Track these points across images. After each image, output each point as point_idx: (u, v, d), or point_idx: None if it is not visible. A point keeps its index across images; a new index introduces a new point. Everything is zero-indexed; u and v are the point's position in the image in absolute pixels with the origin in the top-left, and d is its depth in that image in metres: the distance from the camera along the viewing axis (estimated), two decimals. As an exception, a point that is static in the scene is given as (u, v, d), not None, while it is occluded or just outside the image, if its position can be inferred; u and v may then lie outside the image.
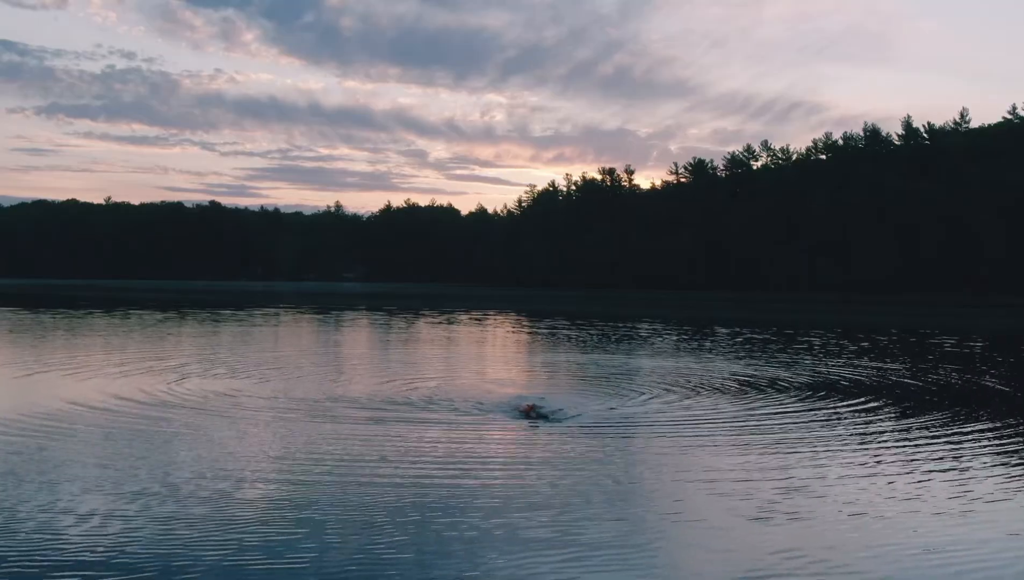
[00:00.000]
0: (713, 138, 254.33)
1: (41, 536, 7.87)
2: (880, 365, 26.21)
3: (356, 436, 13.05)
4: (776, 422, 15.07)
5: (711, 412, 16.20)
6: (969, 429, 14.73)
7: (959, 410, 17.21)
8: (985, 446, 13.18)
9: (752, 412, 16.23)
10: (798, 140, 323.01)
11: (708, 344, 33.96)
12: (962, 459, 12.15)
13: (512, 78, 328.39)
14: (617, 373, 22.75)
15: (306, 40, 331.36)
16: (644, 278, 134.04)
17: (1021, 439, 13.89)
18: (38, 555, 7.33)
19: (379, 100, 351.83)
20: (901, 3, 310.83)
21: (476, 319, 52.51)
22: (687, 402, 17.39)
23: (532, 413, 14.64)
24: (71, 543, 7.67)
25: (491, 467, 11.13)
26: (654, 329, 43.63)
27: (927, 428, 14.77)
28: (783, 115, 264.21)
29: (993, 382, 22.65)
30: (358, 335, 39.39)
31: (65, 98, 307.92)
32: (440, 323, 47.31)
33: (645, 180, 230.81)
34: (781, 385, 20.42)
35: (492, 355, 30.08)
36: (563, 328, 43.75)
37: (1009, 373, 25.44)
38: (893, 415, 16.27)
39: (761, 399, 17.99)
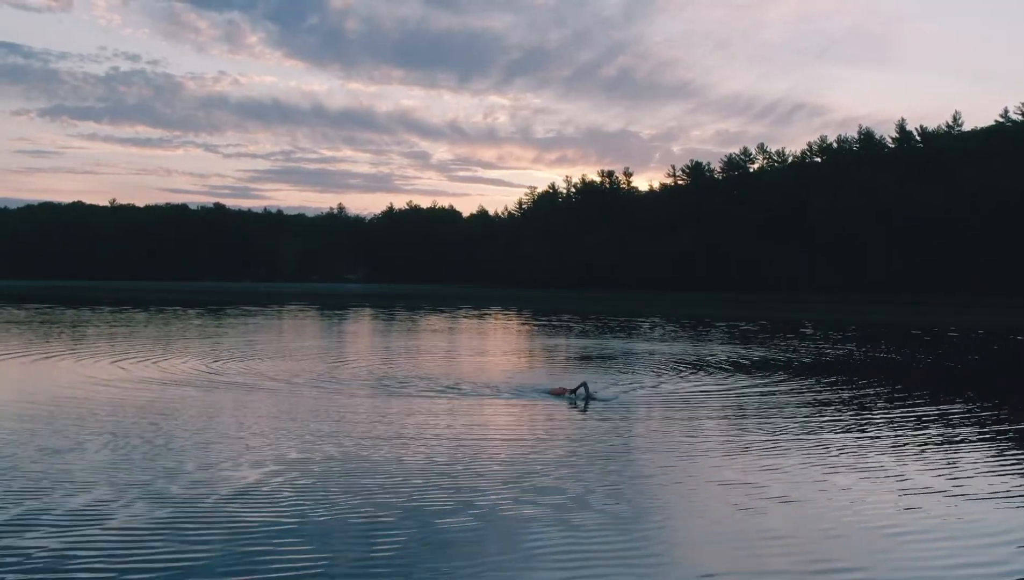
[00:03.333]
0: (716, 140, 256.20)
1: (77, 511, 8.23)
2: (872, 354, 28.52)
3: (390, 416, 15.23)
4: (781, 401, 17.33)
5: (714, 390, 18.49)
6: (948, 407, 17.00)
7: (940, 391, 19.51)
8: (966, 419, 15.45)
9: (757, 391, 18.51)
10: (801, 142, 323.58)
11: (709, 337, 36.23)
12: (944, 433, 14.40)
13: (515, 80, 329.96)
14: (631, 359, 25.05)
15: (310, 43, 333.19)
16: (644, 279, 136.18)
17: (1006, 420, 16.17)
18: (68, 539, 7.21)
19: (382, 102, 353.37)
20: (903, 5, 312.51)
21: (487, 316, 54.66)
22: (693, 382, 19.70)
23: (565, 395, 15.91)
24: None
25: (541, 444, 12.83)
26: (655, 323, 45.93)
27: (911, 406, 17.04)
28: (786, 117, 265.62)
29: (977, 369, 24.93)
30: (381, 328, 41.48)
31: (69, 100, 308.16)
32: (453, 319, 49.51)
33: (648, 182, 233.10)
34: (786, 369, 22.71)
35: (510, 346, 32.16)
36: (570, 323, 46.00)
37: (994, 362, 27.74)
38: (891, 397, 18.54)
39: (763, 380, 20.27)
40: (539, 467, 10.22)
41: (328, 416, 13.71)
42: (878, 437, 12.64)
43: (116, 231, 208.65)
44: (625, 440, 12.24)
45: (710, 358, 24.81)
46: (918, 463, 10.88)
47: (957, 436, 12.85)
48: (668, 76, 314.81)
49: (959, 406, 16.06)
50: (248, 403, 15.08)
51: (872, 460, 10.96)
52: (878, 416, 14.70)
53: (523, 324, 45.79)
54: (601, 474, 9.95)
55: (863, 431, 13.15)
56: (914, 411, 15.25)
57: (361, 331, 39.11)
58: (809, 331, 39.14)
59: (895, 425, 13.72)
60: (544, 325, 43.68)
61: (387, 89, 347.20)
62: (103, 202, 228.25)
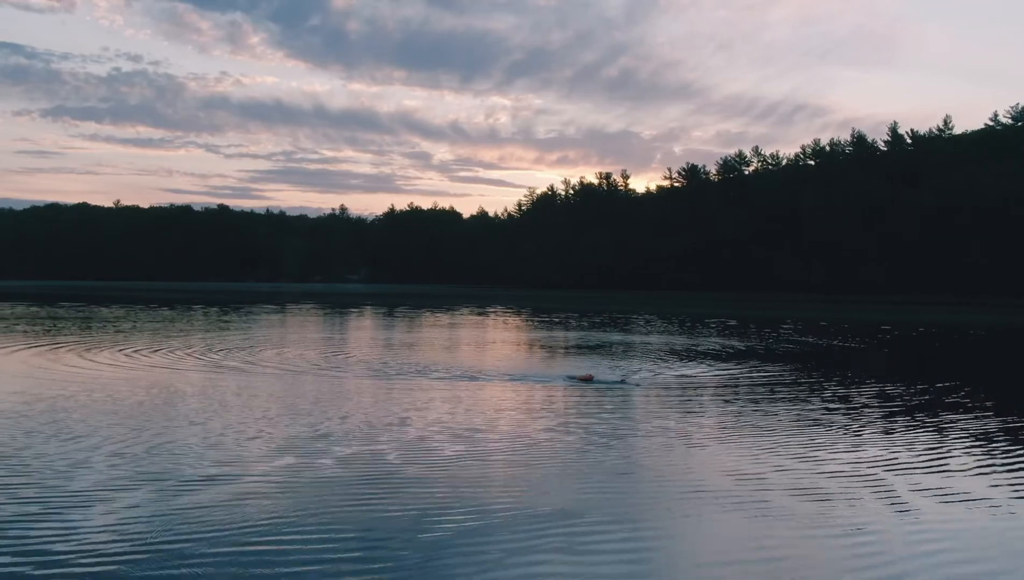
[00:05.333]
0: (717, 140, 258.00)
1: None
2: (830, 344, 31.74)
3: (426, 395, 18.38)
4: (762, 382, 20.54)
5: (702, 374, 21.69)
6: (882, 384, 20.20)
7: (871, 372, 22.69)
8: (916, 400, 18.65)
9: (729, 375, 21.72)
10: (802, 143, 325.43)
11: (699, 331, 39.42)
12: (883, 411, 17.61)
13: (517, 81, 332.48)
14: (629, 349, 28.24)
15: (312, 43, 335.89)
16: (641, 278, 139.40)
17: (983, 403, 19.37)
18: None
19: (384, 102, 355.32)
20: (906, 6, 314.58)
21: (490, 314, 57.72)
22: (689, 368, 22.91)
23: (591, 380, 18.58)
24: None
25: (578, 418, 15.85)
26: (650, 320, 49.13)
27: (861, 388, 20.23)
28: (787, 117, 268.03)
29: (938, 359, 28.11)
30: (396, 324, 44.46)
31: (71, 101, 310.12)
32: (459, 317, 52.60)
33: (646, 183, 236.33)
34: (754, 357, 25.92)
35: (522, 339, 35.26)
36: (570, 320, 49.17)
37: (960, 354, 30.95)
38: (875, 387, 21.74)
39: (736, 366, 23.48)
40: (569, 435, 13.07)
41: (376, 396, 16.90)
42: (829, 407, 15.92)
43: (121, 232, 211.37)
44: (634, 412, 15.50)
45: (697, 348, 28.04)
46: (839, 422, 14.11)
47: (870, 404, 16.13)
48: (670, 77, 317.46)
49: (883, 383, 19.35)
50: (305, 385, 18.30)
51: (815, 423, 14.25)
52: (825, 392, 17.98)
53: (527, 321, 48.88)
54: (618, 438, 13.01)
55: (818, 402, 16.44)
56: (857, 387, 18.52)
57: (378, 326, 42.18)
58: (787, 327, 42.41)
59: (838, 397, 17.00)
60: (546, 321, 46.84)
61: (389, 90, 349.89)
62: (105, 202, 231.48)
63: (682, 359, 24.44)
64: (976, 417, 14.73)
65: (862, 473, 10.26)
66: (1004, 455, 11.56)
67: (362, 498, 8.84)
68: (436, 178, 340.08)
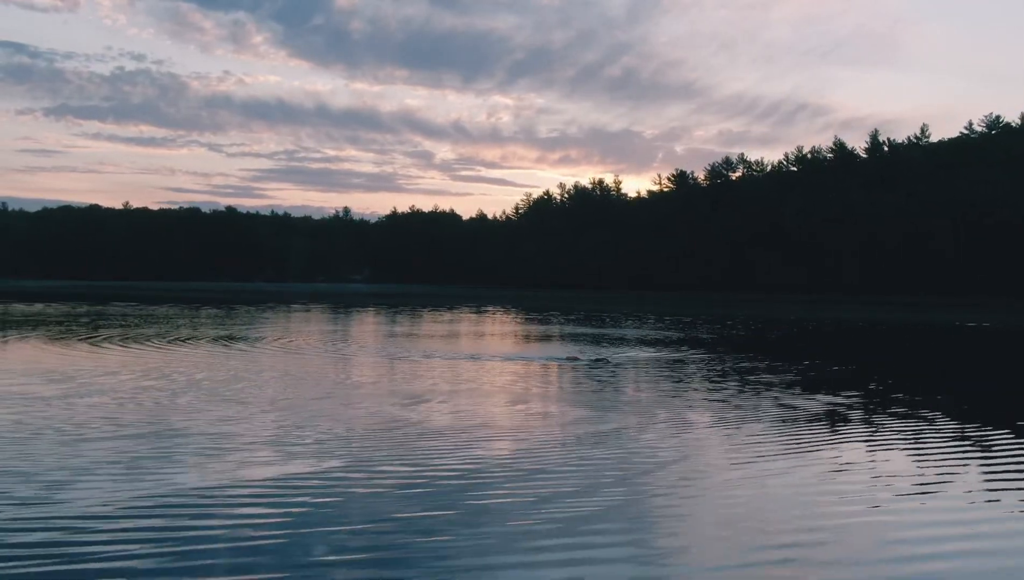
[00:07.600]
0: (719, 140, 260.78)
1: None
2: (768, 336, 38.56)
3: (443, 373, 25.16)
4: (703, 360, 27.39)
5: (679, 356, 28.53)
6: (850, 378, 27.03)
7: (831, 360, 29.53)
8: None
9: (694, 358, 28.55)
10: (803, 142, 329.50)
11: (680, 327, 46.27)
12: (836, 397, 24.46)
13: (519, 80, 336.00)
14: (619, 338, 35.05)
15: (315, 43, 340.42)
16: (633, 279, 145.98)
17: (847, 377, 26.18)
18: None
19: (386, 102, 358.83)
20: (907, 6, 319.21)
21: (488, 312, 64.33)
22: (642, 351, 29.77)
23: (577, 360, 24.96)
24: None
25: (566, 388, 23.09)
26: (638, 317, 55.93)
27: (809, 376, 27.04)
28: (789, 117, 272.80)
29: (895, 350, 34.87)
30: (406, 319, 50.90)
31: (74, 100, 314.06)
32: (461, 314, 59.24)
33: (638, 188, 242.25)
34: (707, 344, 32.76)
35: (521, 331, 41.99)
36: (565, 316, 55.89)
37: (925, 348, 37.78)
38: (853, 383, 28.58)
39: (698, 351, 30.35)
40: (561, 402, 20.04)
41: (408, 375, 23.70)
42: (761, 383, 22.75)
43: (129, 233, 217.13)
44: (617, 384, 22.29)
45: (647, 338, 34.91)
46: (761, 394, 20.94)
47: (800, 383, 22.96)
48: (672, 76, 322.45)
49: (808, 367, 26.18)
50: (350, 366, 25.06)
51: (749, 392, 21.07)
52: (706, 365, 24.81)
53: (525, 317, 55.55)
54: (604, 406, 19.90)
55: (755, 375, 23.28)
56: (729, 364, 25.38)
57: (394, 320, 48.78)
58: (729, 322, 49.62)
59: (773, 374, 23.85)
60: (543, 318, 53.57)
61: (391, 89, 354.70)
62: (107, 201, 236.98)
63: (640, 345, 31.52)
64: (802, 384, 21.58)
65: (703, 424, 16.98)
66: (795, 407, 18.28)
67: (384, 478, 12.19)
68: (438, 177, 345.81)
